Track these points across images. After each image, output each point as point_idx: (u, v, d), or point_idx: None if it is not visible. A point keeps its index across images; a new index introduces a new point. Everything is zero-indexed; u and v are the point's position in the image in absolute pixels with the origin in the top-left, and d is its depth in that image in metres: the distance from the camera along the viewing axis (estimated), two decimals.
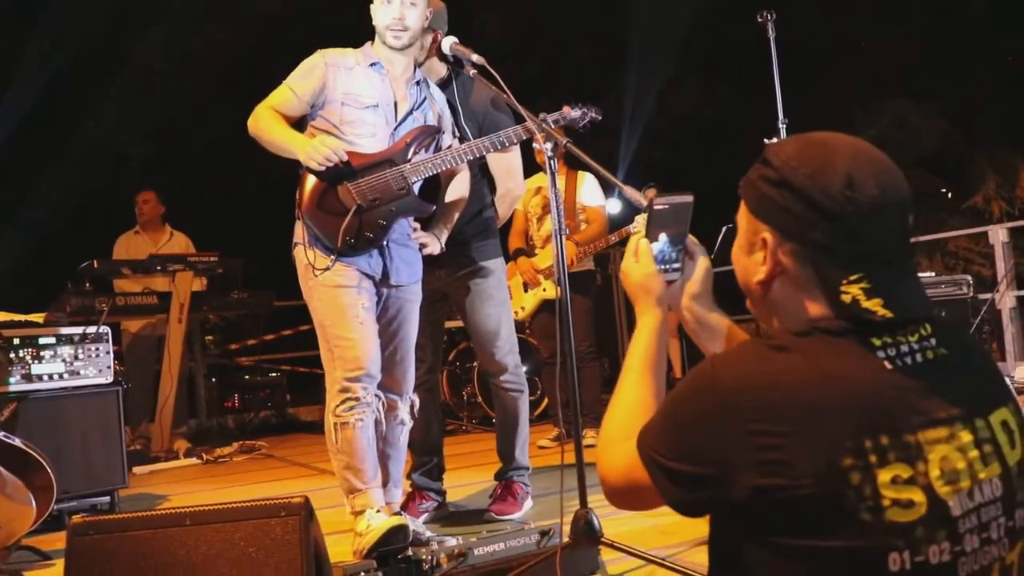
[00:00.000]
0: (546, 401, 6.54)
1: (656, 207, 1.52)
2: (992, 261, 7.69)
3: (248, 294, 6.62)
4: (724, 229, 7.29)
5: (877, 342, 1.19)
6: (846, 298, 1.21)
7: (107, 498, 4.19)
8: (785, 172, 1.24)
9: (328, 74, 3.13)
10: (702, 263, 1.58)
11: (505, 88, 3.00)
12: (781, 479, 1.12)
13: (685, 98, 11.91)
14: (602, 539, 2.65)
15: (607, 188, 5.83)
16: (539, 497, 3.79)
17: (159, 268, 6.22)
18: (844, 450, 1.11)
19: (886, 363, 1.18)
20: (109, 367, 4.31)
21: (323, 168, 3.00)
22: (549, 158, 2.85)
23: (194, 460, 5.99)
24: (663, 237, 1.54)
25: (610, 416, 1.42)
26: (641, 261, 1.54)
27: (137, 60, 9.73)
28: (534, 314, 5.55)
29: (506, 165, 3.74)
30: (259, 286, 6.74)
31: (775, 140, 5.38)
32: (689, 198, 1.53)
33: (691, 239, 1.56)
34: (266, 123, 3.08)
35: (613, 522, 3.22)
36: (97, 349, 4.29)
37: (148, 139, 9.83)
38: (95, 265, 6.07)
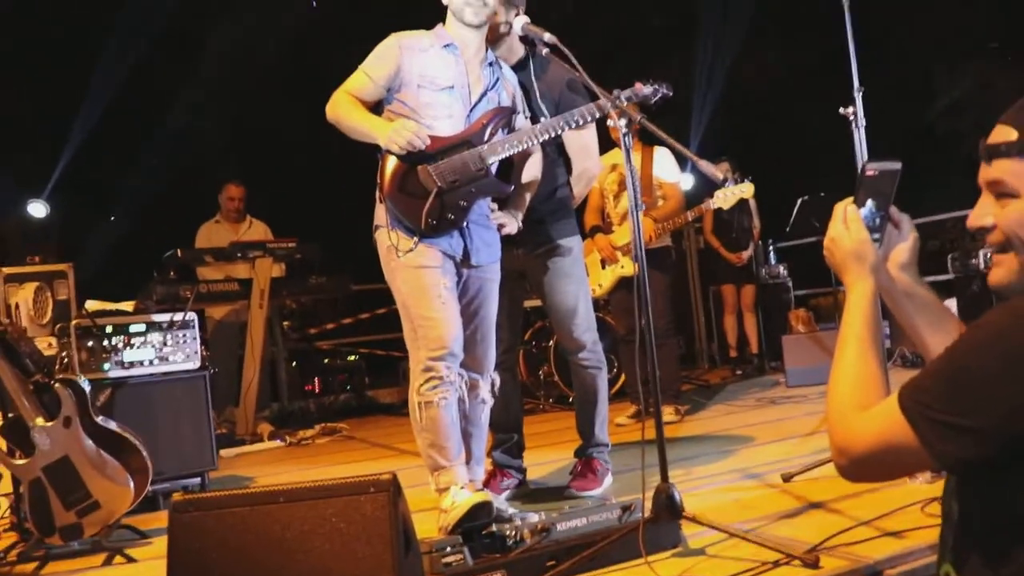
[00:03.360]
0: (623, 378, 6.55)
1: (868, 173, 1.51)
2: None
3: (326, 279, 6.77)
4: (799, 201, 7.20)
5: None
6: None
7: (198, 480, 4.33)
8: None
9: (403, 57, 3.17)
10: (911, 232, 1.56)
11: (578, 66, 3.03)
12: None
13: (755, 68, 11.72)
14: (684, 514, 2.68)
15: (680, 163, 5.82)
16: (618, 474, 3.83)
17: (240, 255, 6.39)
18: None
19: None
20: (197, 352, 4.45)
21: (404, 152, 3.06)
22: (624, 135, 2.87)
23: (278, 443, 6.15)
24: (869, 203, 1.52)
25: (837, 388, 1.40)
26: (852, 228, 1.50)
27: (211, 45, 9.93)
28: (612, 291, 5.59)
29: (582, 143, 3.76)
30: (336, 271, 6.87)
31: (850, 109, 5.26)
32: (898, 165, 1.52)
33: (894, 208, 1.54)
34: (344, 109, 3.16)
35: (694, 497, 3.25)
36: (185, 335, 4.43)
37: (225, 127, 10.04)
38: (179, 254, 6.26)
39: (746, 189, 5.28)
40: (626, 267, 5.39)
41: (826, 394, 1.42)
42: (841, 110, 4.83)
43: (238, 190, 7.12)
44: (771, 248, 8.61)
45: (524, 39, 3.51)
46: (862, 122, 4.86)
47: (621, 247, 5.42)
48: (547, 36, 3.14)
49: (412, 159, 3.09)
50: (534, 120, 3.45)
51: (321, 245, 6.73)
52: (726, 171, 7.54)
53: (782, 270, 8.45)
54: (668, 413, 5.42)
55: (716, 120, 11.10)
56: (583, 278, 3.78)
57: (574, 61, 3.03)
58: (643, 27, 11.85)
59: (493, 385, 3.36)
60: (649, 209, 5.45)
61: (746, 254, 7.88)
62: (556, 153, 3.73)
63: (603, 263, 5.55)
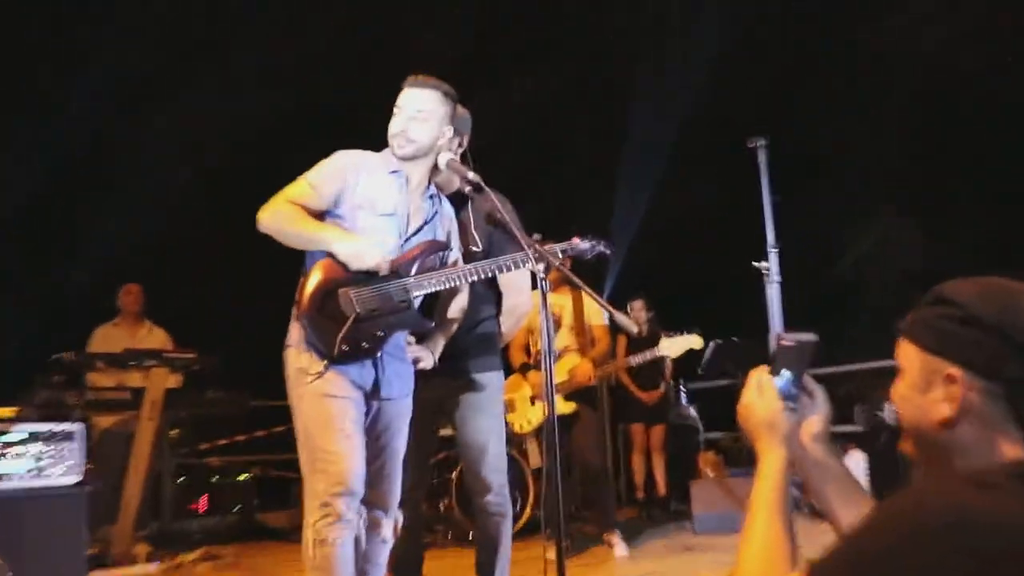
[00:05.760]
0: (528, 513, 6.46)
1: (785, 343, 1.57)
2: None
3: (224, 393, 6.56)
4: (713, 344, 7.36)
5: None
6: None
7: None
8: (973, 310, 1.30)
9: (350, 177, 3.17)
10: (824, 403, 1.61)
11: (500, 208, 3.10)
12: None
13: (675, 204, 12.08)
14: None
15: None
16: None
17: (134, 363, 6.18)
18: None
19: None
20: (78, 466, 4.25)
21: (360, 271, 3.04)
22: (541, 280, 2.92)
23: (152, 567, 5.83)
24: (785, 373, 1.57)
25: (746, 559, 1.41)
26: (766, 397, 1.55)
27: (120, 152, 9.87)
28: (540, 428, 5.62)
29: (512, 279, 3.76)
30: (235, 385, 6.69)
31: (765, 264, 5.46)
32: (815, 338, 1.58)
33: (808, 378, 1.60)
34: (289, 217, 3.09)
35: None
36: (67, 447, 4.23)
37: (131, 230, 9.91)
38: (67, 357, 6.01)
39: (694, 341, 5.42)
40: (559, 406, 5.44)
41: (736, 561, 1.44)
42: (756, 264, 4.99)
43: (134, 286, 7.06)
44: (683, 389, 8.73)
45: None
46: (776, 278, 5.02)
47: (556, 385, 5.48)
48: (471, 175, 3.18)
49: (336, 282, 3.06)
50: (467, 255, 3.48)
51: (222, 356, 6.57)
52: (639, 310, 7.75)
53: (692, 411, 8.55)
54: (614, 542, 5.63)
55: (633, 252, 11.36)
56: (499, 416, 3.76)
57: (496, 202, 3.11)
58: (566, 158, 12.19)
59: (396, 524, 3.27)
60: (583, 350, 5.57)
61: (657, 393, 7.96)
62: (485, 286, 3.73)
63: (533, 400, 5.63)
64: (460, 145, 3.53)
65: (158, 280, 7.39)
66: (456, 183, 3.64)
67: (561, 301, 5.69)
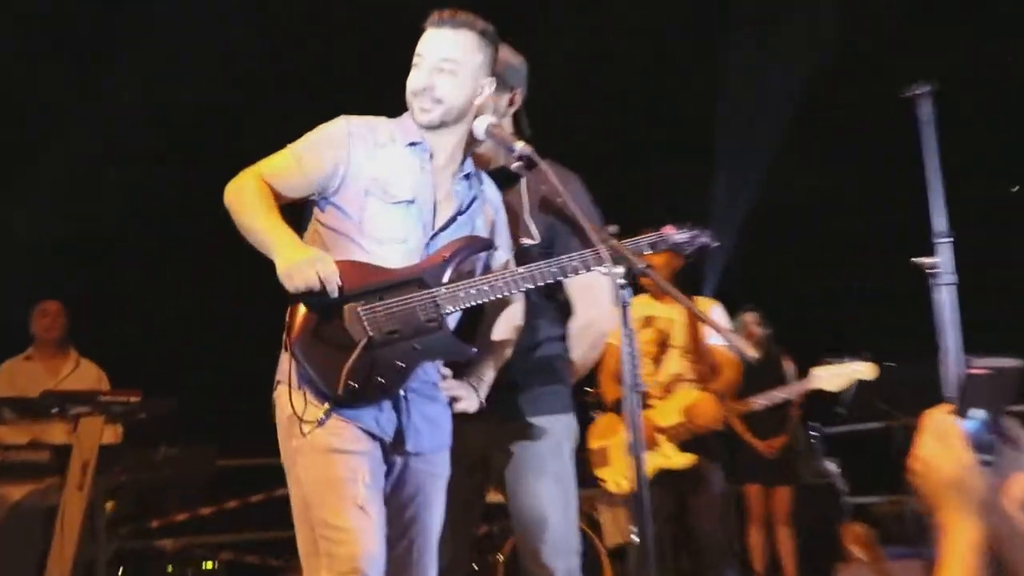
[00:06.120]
0: None
1: (973, 372, 1.57)
2: None
3: (181, 450, 6.59)
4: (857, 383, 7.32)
5: None
6: None
7: None
8: None
9: (351, 149, 3.20)
10: None
11: (562, 191, 3.11)
12: None
13: (797, 182, 11.98)
14: None
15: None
16: None
17: (56, 410, 6.22)
18: None
19: None
20: None
21: (298, 293, 3.04)
22: (621, 287, 2.92)
23: None
24: (977, 415, 1.58)
25: None
26: (952, 448, 1.55)
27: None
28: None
29: (586, 283, 3.62)
30: (196, 435, 6.74)
31: (931, 260, 5.39)
32: (1018, 363, 1.58)
33: (1010, 420, 1.60)
34: (250, 200, 3.14)
35: None
36: None
37: (50, 234, 10.06)
38: None
39: (863, 370, 5.35)
40: (672, 457, 5.46)
41: None
42: (917, 260, 4.96)
43: (55, 305, 7.07)
44: (815, 435, 8.65)
45: (520, 131, 3.58)
46: (949, 279, 4.96)
47: (667, 428, 5.50)
48: (518, 145, 3.19)
49: (339, 295, 3.04)
50: (520, 253, 3.49)
51: (178, 399, 6.61)
52: (752, 325, 7.72)
53: (832, 466, 8.46)
54: None
55: (740, 247, 11.31)
56: (566, 475, 3.68)
57: (554, 181, 3.11)
58: (655, 138, 12.18)
59: None
60: (704, 381, 5.59)
61: (779, 442, 7.90)
62: (546, 296, 3.67)
63: None
64: (511, 104, 3.55)
65: (86, 297, 7.44)
66: (503, 157, 3.62)
67: (670, 314, 5.69)
